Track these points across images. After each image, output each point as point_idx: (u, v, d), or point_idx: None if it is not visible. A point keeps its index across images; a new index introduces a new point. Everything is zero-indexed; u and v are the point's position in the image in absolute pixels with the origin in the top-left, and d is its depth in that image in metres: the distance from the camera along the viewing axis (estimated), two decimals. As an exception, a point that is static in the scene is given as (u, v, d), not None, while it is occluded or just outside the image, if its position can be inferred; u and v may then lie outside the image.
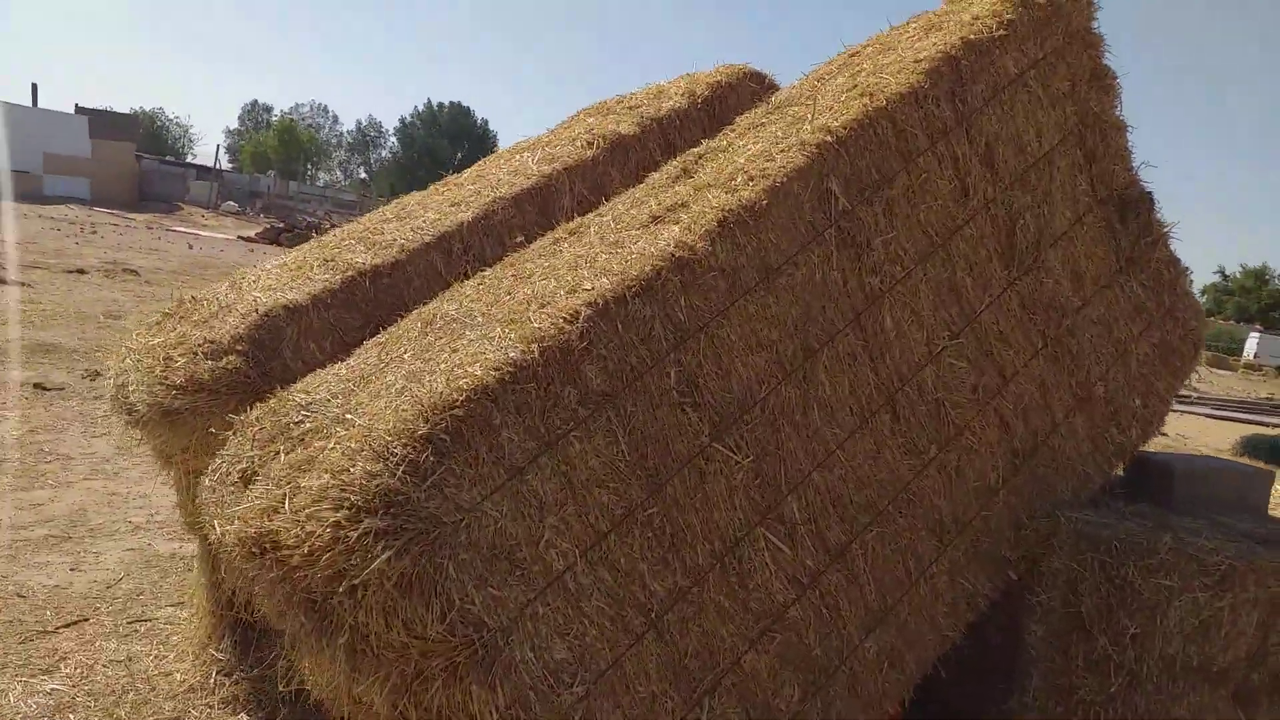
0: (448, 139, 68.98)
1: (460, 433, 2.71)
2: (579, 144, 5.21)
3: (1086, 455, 4.30)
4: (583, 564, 2.94)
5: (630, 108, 5.61)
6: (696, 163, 4.22)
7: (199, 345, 4.09)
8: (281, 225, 27.81)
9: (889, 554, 3.67)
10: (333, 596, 2.62)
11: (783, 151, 3.61)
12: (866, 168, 3.65)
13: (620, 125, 5.34)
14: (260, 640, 4.57)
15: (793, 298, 3.45)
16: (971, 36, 3.96)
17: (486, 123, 74.45)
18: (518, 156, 5.52)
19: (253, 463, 3.08)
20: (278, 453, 3.01)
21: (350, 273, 4.40)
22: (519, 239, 4.51)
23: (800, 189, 3.49)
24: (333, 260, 4.54)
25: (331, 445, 2.81)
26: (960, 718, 3.96)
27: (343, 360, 3.85)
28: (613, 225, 3.85)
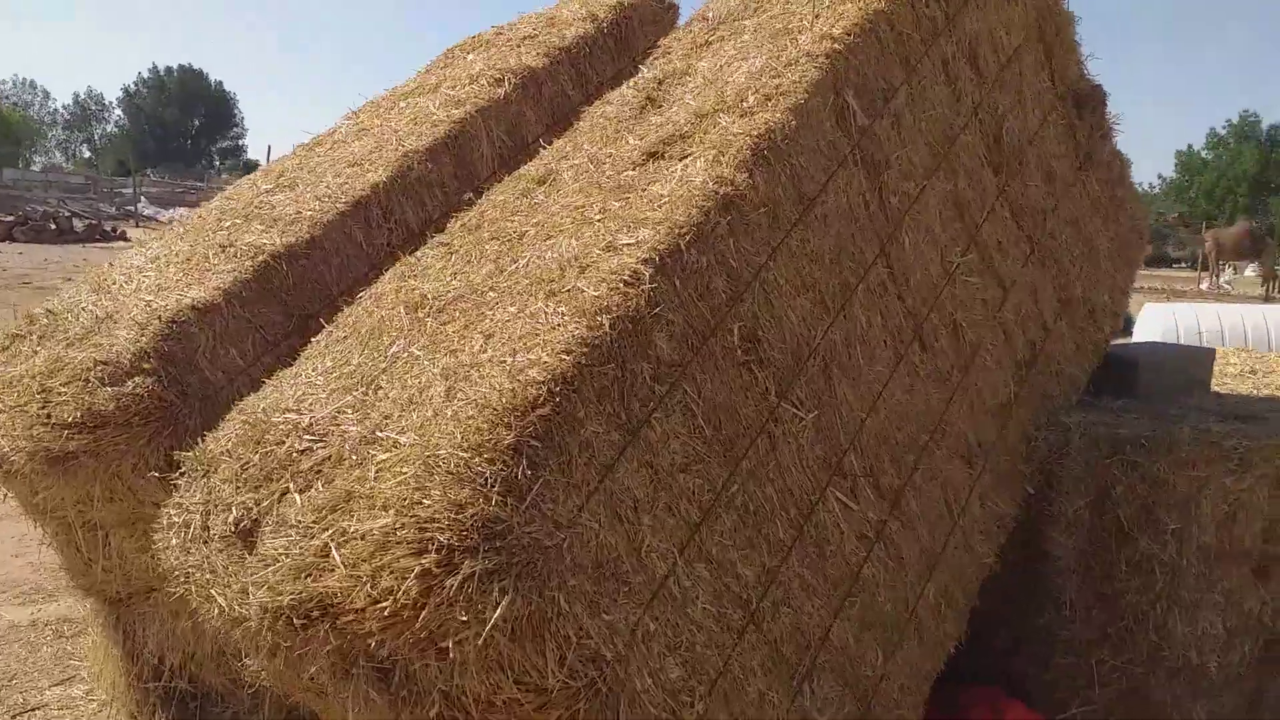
0: (179, 107, 62.94)
1: (550, 435, 2.21)
2: (484, 82, 4.59)
3: (1072, 357, 4.25)
4: (682, 563, 2.52)
5: (525, 38, 5.01)
6: (659, 89, 3.75)
7: (88, 369, 3.27)
8: (11, 218, 24.38)
9: (933, 491, 3.46)
10: (417, 661, 2.09)
11: (788, 66, 3.21)
12: (874, 77, 3.32)
13: (525, 58, 4.75)
14: (205, 710, 3.85)
15: (826, 229, 3.10)
16: (946, -69, 3.68)
17: (222, 84, 68.40)
18: (407, 101, 4.82)
19: (248, 510, 2.43)
20: (286, 492, 2.38)
21: (261, 257, 3.66)
22: (466, 196, 3.90)
23: (820, 106, 3.12)
24: (231, 245, 3.77)
25: (375, 474, 2.22)
26: (996, 645, 3.85)
27: (289, 364, 3.18)
28: (592, 168, 3.34)
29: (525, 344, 2.41)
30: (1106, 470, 3.69)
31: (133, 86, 64.12)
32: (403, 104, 4.84)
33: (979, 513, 3.67)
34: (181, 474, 2.79)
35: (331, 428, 2.48)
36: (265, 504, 2.40)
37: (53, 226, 24.35)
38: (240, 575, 2.33)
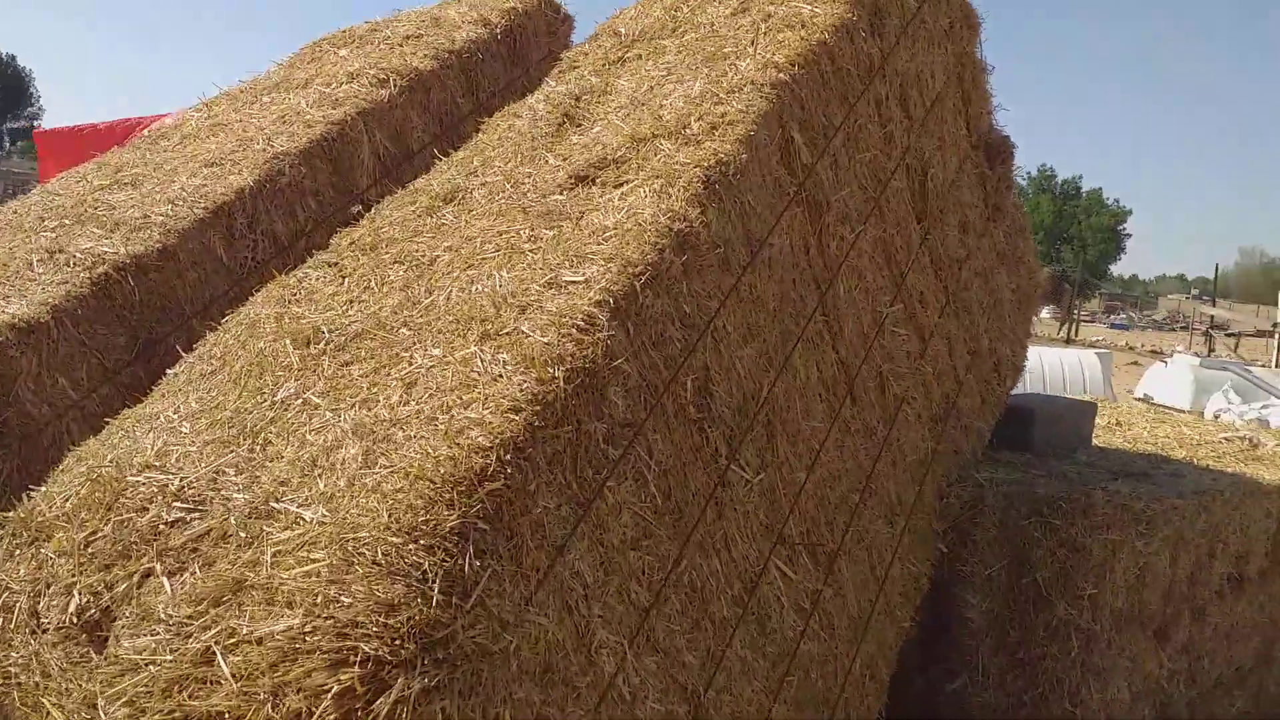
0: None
1: (500, 515, 1.82)
2: (366, 81, 4.11)
3: (979, 411, 4.17)
4: (631, 656, 2.17)
5: (408, 36, 4.55)
6: (576, 105, 3.41)
7: None
8: None
9: (861, 555, 3.25)
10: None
11: (732, 93, 2.94)
12: (817, 113, 3.10)
13: (411, 58, 4.30)
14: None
15: (770, 273, 2.84)
16: (879, -39, 3.52)
17: (15, 58, 62.51)
18: (271, 96, 4.27)
19: (96, 596, 1.91)
20: (150, 574, 1.88)
21: (101, 268, 3.07)
22: (355, 208, 3.42)
23: (767, 139, 2.87)
24: (61, 251, 3.15)
25: (273, 559, 1.77)
26: (912, 711, 3.68)
27: (134, 399, 2.64)
28: (510, 188, 2.96)
29: (460, 398, 2.01)
30: (1023, 532, 3.60)
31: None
32: (266, 99, 4.29)
33: (898, 575, 3.49)
34: (2, 534, 2.22)
35: (210, 493, 1.99)
36: (121, 589, 1.89)
37: None
38: (84, 681, 1.82)
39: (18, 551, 2.13)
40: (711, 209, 2.58)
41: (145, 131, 4.69)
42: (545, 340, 2.10)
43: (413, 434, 1.94)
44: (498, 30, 4.61)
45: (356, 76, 4.17)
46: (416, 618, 1.64)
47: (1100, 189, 63.44)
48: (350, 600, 1.65)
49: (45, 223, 3.45)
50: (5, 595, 2.04)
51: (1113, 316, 62.85)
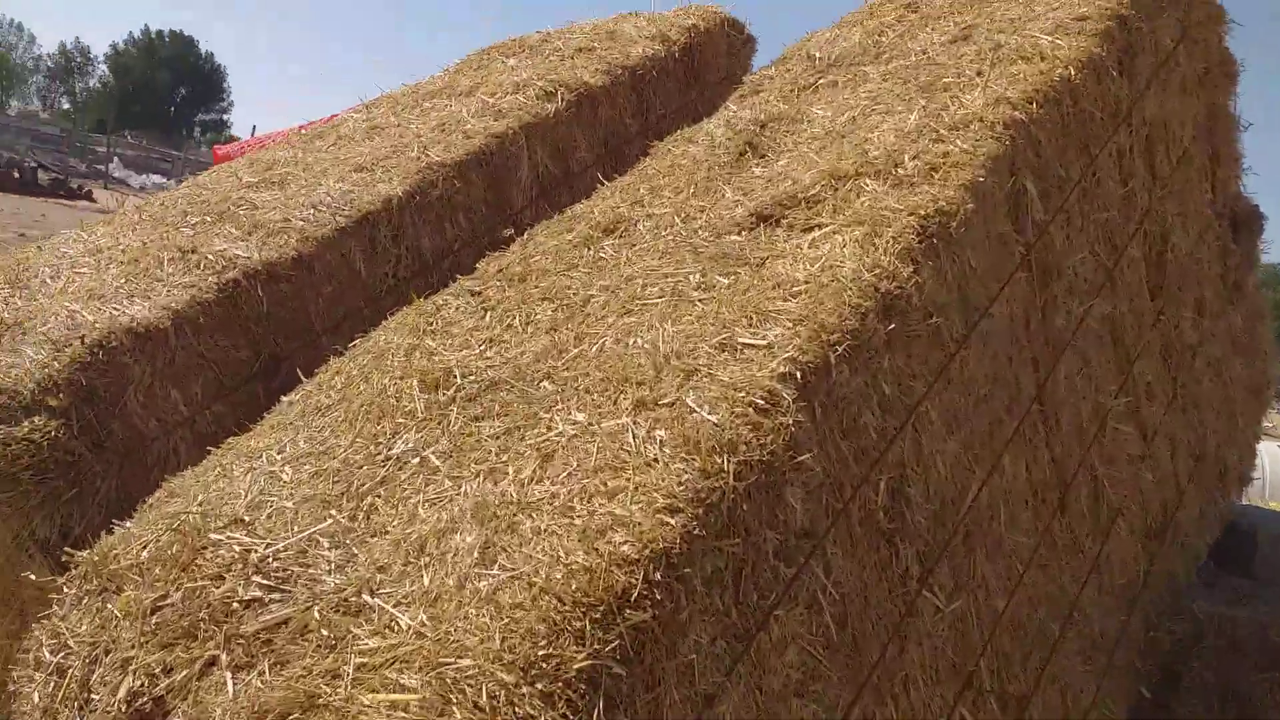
0: (168, 72, 61.43)
1: (642, 655, 1.40)
2: (532, 93, 3.81)
3: (1197, 526, 3.52)
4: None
5: (580, 49, 4.25)
6: (760, 133, 2.99)
7: (-26, 394, 2.42)
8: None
9: (1053, 698, 2.68)
10: None
11: (955, 130, 2.46)
12: (1053, 161, 2.59)
13: (581, 72, 3.98)
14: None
15: (984, 350, 2.34)
16: (1134, -10, 2.98)
17: (213, 56, 67.00)
18: (433, 102, 4.03)
19: (153, 677, 1.59)
20: (214, 663, 1.55)
21: (231, 273, 2.83)
22: (507, 231, 3.10)
23: (996, 188, 2.38)
24: (194, 251, 2.93)
25: (355, 673, 1.40)
26: None
27: (246, 421, 2.37)
28: (680, 223, 2.56)
29: (605, 483, 1.60)
30: (1250, 684, 2.95)
31: (121, 45, 62.49)
32: (427, 105, 4.05)
33: None
34: (69, 576, 1.95)
35: (297, 568, 1.65)
36: (180, 676, 1.57)
37: (16, 175, 22.96)
38: None
39: (85, 600, 1.85)
40: (927, 267, 2.11)
41: (303, 129, 4.54)
42: (714, 419, 1.68)
43: (543, 526, 1.55)
44: (675, 48, 4.25)
45: (522, 88, 3.87)
46: (523, 789, 1.24)
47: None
48: (442, 750, 1.27)
49: (188, 216, 3.26)
50: (62, 655, 1.75)
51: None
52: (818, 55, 3.51)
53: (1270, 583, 3.73)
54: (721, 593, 1.58)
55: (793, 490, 1.73)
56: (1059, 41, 2.78)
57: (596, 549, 1.47)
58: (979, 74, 2.75)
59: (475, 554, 1.54)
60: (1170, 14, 3.13)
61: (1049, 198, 2.55)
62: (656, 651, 1.42)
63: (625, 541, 1.47)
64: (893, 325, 1.98)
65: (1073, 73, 2.66)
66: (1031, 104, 2.53)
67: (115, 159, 30.71)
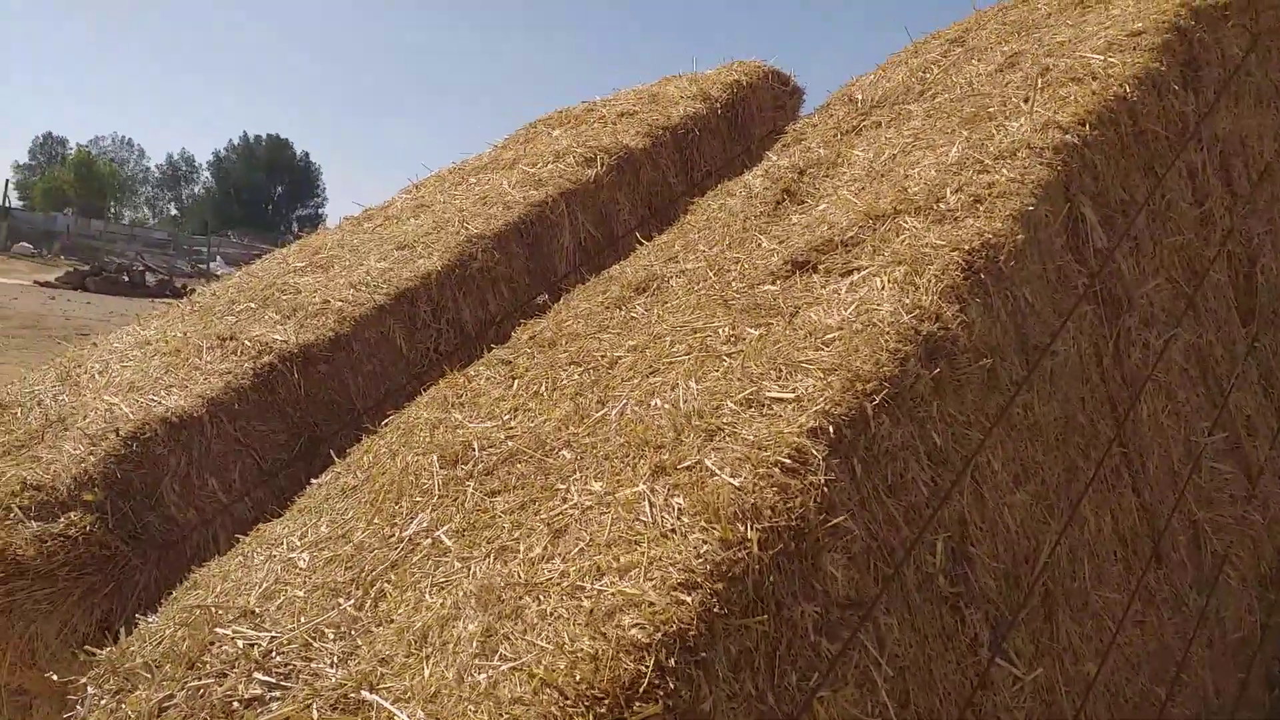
0: (265, 173, 65.01)
1: (654, 756, 1.25)
2: (571, 160, 3.77)
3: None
4: None
5: (623, 114, 4.21)
6: (799, 180, 2.87)
7: (14, 493, 2.41)
8: (86, 267, 24.37)
9: (1166, 773, 2.40)
10: None
11: (1000, 159, 2.30)
12: (1113, 185, 2.40)
13: (622, 136, 3.94)
14: None
15: (1052, 391, 2.14)
16: (1195, 1, 2.79)
17: (308, 155, 70.79)
18: (478, 177, 4.02)
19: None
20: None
21: (267, 358, 2.81)
22: (541, 298, 3.03)
23: (1050, 217, 2.20)
24: (234, 337, 2.93)
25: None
26: None
27: (286, 499, 2.31)
28: (713, 276, 2.45)
29: (617, 558, 1.47)
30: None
31: (223, 151, 66.40)
32: (472, 180, 4.05)
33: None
34: (90, 675, 1.89)
35: (299, 663, 1.55)
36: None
37: (125, 279, 24.23)
38: None
39: (102, 703, 1.77)
40: (974, 305, 1.94)
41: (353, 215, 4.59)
42: (736, 482, 1.53)
43: (549, 609, 1.42)
44: (718, 105, 4.19)
45: (562, 155, 3.84)
46: None
47: None
48: None
49: (234, 305, 3.28)
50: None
51: None
52: (860, 98, 3.40)
53: None
54: (752, 676, 1.41)
55: (831, 556, 1.56)
56: (1112, 60, 2.61)
57: (604, 633, 1.33)
58: (1026, 100, 2.60)
59: (476, 644, 1.41)
60: (1236, 22, 2.93)
61: (1112, 224, 2.36)
62: (672, 750, 1.26)
63: (635, 624, 1.33)
64: (939, 369, 1.82)
65: (1128, 90, 2.48)
66: (1084, 126, 2.36)
67: (218, 257, 32.21)
